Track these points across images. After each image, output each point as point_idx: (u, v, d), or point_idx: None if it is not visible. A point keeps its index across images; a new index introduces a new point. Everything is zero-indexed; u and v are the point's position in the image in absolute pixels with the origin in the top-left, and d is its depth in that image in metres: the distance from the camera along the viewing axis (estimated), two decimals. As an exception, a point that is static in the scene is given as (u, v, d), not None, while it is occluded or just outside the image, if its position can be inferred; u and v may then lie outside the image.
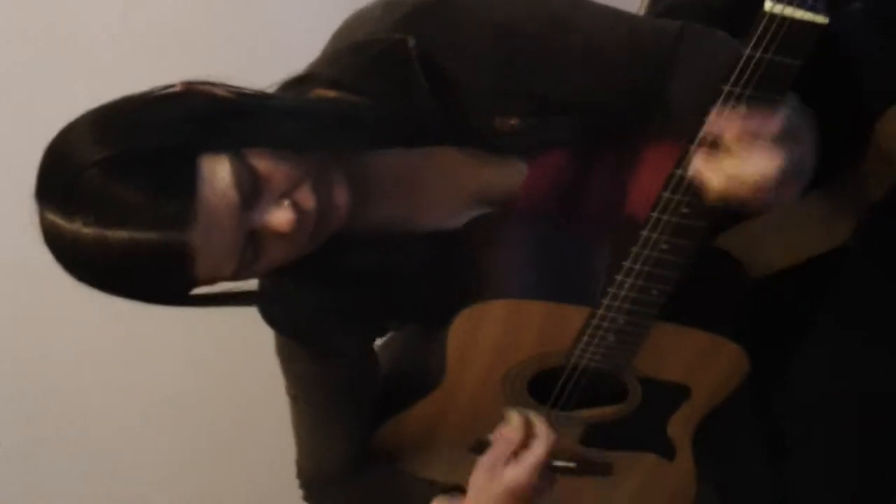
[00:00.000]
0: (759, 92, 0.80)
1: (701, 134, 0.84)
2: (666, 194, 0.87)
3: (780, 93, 0.81)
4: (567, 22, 1.00)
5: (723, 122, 0.82)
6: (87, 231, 0.84)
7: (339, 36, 1.05)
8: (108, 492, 2.04)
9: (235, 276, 0.93)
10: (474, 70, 0.99)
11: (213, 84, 0.94)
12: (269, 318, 1.12)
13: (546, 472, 1.12)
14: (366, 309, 1.11)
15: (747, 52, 0.78)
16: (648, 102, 1.00)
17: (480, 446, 1.26)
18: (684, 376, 1.11)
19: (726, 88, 0.80)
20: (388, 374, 1.27)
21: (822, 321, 1.20)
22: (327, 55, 1.05)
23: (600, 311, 1.01)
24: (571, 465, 1.25)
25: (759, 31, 0.77)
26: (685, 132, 0.99)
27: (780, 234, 1.14)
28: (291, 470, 1.30)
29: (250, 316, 1.14)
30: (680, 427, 1.20)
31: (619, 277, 0.97)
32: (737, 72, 0.79)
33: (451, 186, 1.08)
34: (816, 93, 1.00)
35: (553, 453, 1.24)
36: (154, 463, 2.04)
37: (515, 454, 1.12)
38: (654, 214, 0.90)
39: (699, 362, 1.08)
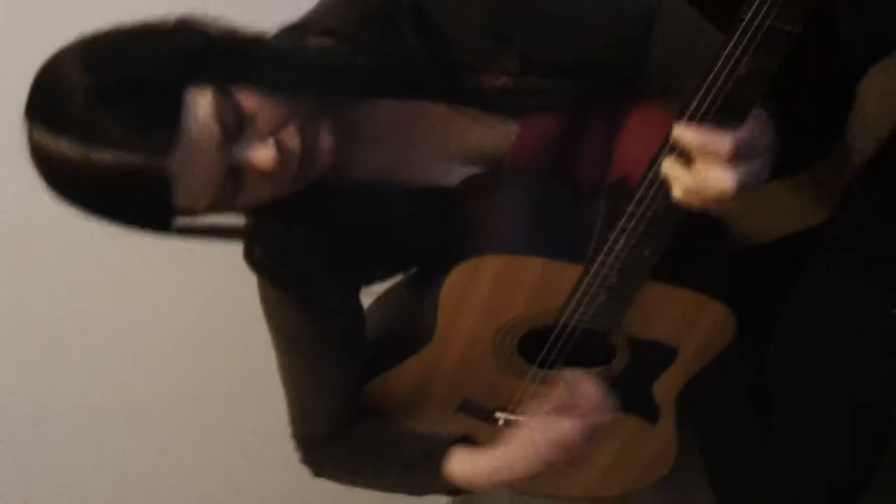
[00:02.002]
0: (720, 115, 0.82)
1: (670, 139, 0.86)
2: (663, 153, 0.89)
3: (741, 116, 0.83)
4: None
5: (685, 133, 0.84)
6: (72, 151, 0.86)
7: None
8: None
9: (215, 209, 0.94)
10: (466, 23, 1.00)
11: (207, 22, 0.95)
12: (254, 262, 1.12)
13: (594, 440, 1.14)
14: (352, 256, 1.12)
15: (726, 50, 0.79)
16: (633, 63, 1.01)
17: (467, 406, 1.28)
18: (671, 336, 1.12)
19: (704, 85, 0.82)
20: (380, 332, 1.28)
21: (808, 285, 1.22)
22: (324, 4, 1.05)
23: (593, 270, 1.02)
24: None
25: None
26: (667, 93, 1.00)
27: (765, 211, 1.17)
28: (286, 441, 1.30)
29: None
30: (665, 389, 1.22)
31: (612, 236, 0.98)
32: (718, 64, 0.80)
33: (443, 143, 1.09)
34: (799, 59, 1.02)
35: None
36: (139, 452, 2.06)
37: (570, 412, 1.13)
38: (650, 175, 0.91)
39: (686, 322, 1.10)
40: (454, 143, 1.09)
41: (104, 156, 0.85)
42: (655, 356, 1.16)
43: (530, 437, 1.15)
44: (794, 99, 0.97)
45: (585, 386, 1.15)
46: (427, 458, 1.22)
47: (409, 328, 1.24)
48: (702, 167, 0.85)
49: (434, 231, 1.10)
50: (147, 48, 0.89)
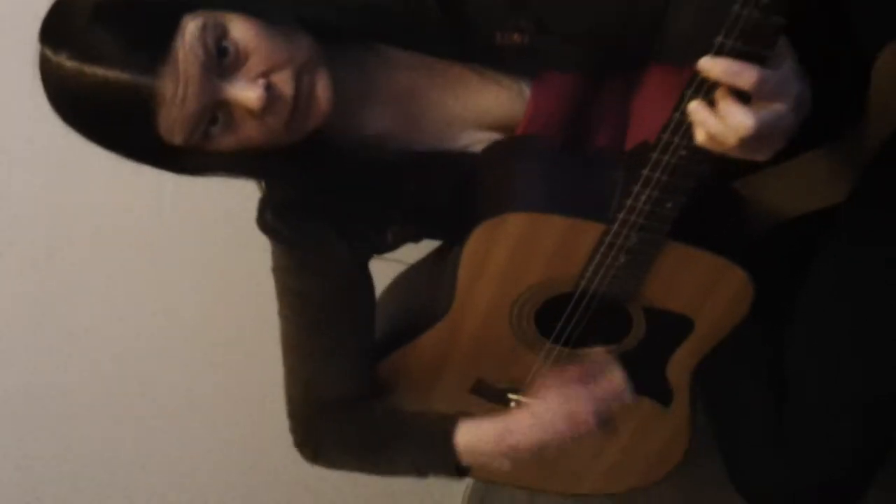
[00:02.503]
0: (748, 46, 0.83)
1: (696, 79, 0.87)
2: (689, 93, 0.90)
3: (769, 47, 0.84)
4: None
5: (712, 64, 0.84)
6: (69, 64, 0.90)
7: None
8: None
9: (200, 141, 0.96)
10: None
11: None
12: (265, 226, 1.13)
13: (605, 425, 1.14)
14: (360, 216, 1.13)
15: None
16: (650, 28, 1.03)
17: (481, 387, 1.27)
18: (688, 306, 1.13)
19: (719, 40, 0.83)
20: (396, 311, 1.28)
21: (818, 276, 1.23)
22: None
23: (615, 227, 1.03)
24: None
25: None
26: (687, 57, 1.02)
27: (786, 185, 1.18)
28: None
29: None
30: (679, 369, 1.22)
31: (636, 188, 0.99)
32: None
33: (456, 106, 1.11)
34: (813, 31, 1.04)
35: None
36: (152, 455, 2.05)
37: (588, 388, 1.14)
38: (676, 118, 0.93)
39: (704, 289, 1.10)
40: (467, 107, 1.11)
41: (96, 70, 0.89)
42: (671, 329, 1.16)
43: (541, 402, 1.14)
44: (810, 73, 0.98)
45: (609, 367, 1.16)
46: (433, 432, 1.18)
47: (427, 304, 1.24)
48: (724, 105, 0.85)
49: (448, 198, 1.11)
50: None
